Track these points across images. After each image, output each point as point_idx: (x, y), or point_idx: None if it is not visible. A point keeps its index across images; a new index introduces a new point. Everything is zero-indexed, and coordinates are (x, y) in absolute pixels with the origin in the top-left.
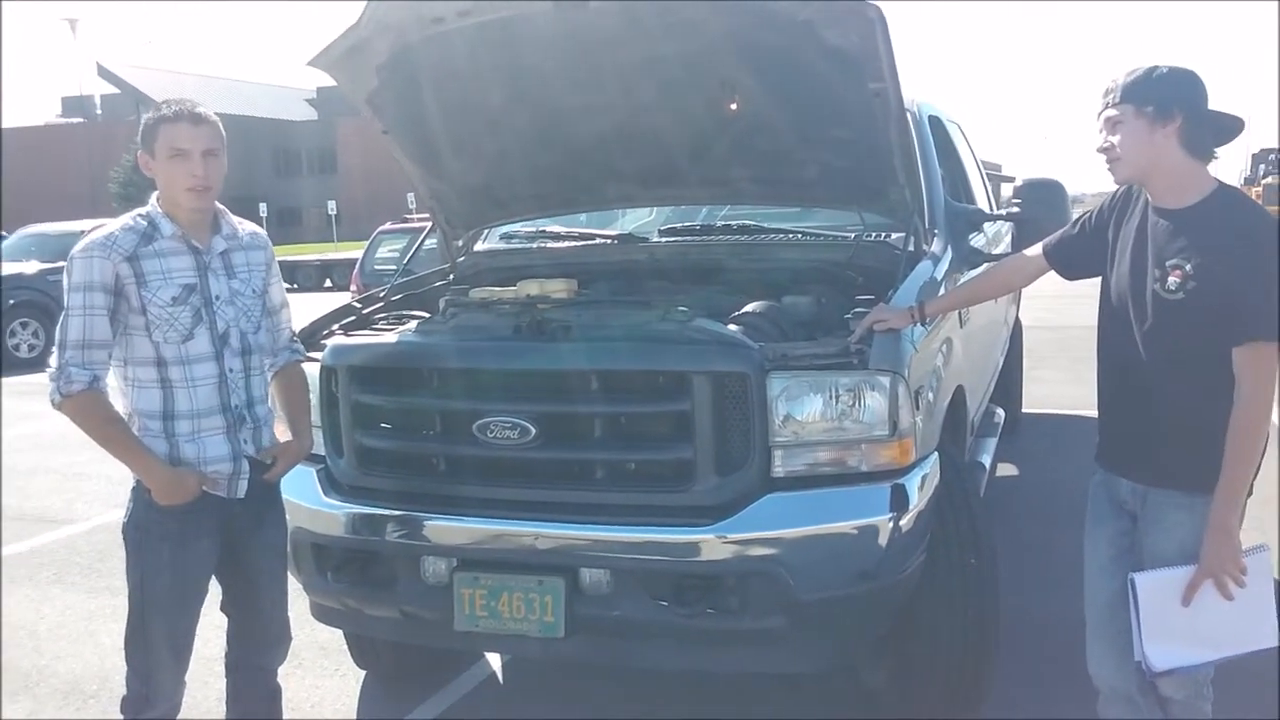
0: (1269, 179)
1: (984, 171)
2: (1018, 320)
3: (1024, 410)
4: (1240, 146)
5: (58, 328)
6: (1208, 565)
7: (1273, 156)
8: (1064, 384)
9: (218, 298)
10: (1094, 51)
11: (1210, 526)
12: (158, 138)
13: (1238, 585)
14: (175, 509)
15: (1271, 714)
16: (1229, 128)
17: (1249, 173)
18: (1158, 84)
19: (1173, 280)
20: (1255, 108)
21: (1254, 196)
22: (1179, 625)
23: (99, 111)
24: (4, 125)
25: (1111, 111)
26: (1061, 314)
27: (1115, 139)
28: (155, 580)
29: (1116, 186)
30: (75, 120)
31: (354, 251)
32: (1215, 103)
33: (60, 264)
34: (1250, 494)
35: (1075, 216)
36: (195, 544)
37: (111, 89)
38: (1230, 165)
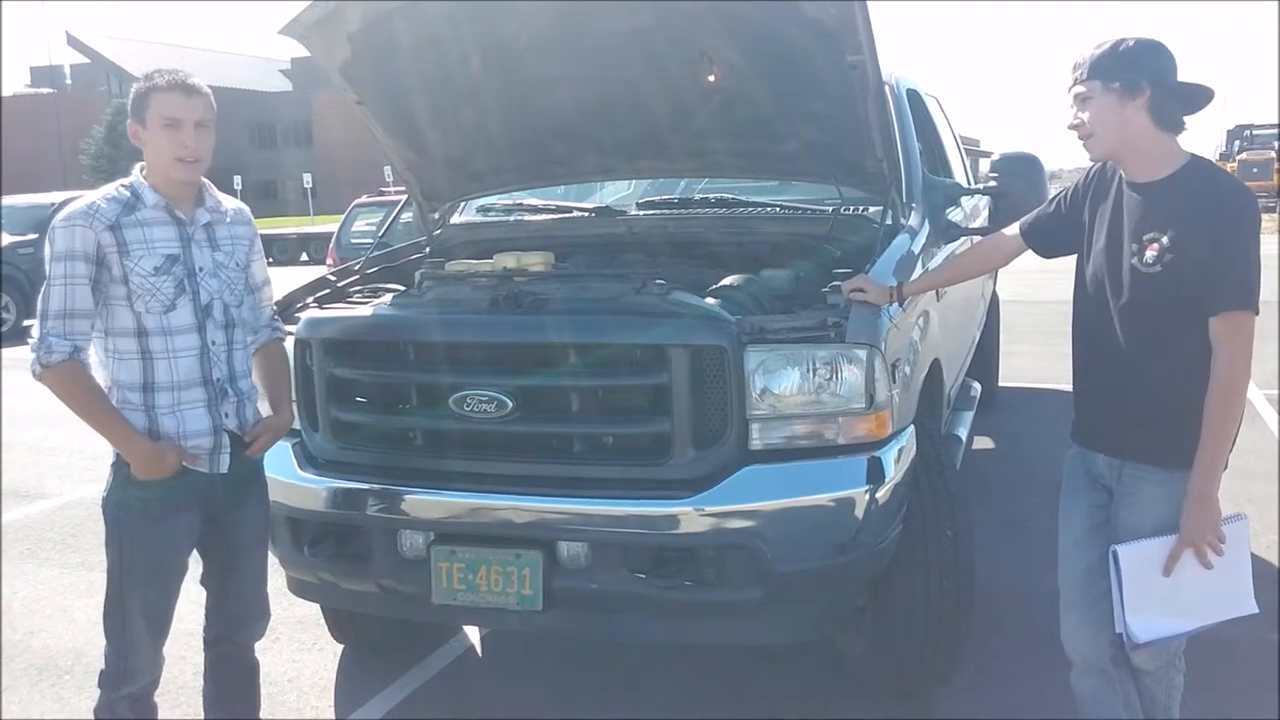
0: (1243, 155)
1: (962, 146)
2: (995, 295)
3: (1001, 384)
4: (1216, 123)
5: (39, 298)
6: (1187, 534)
7: (1248, 132)
8: (1041, 358)
9: (201, 269)
10: (1076, 27)
11: (1189, 496)
12: (149, 106)
13: (1217, 554)
14: (155, 484)
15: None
16: (1198, 98)
17: (1224, 148)
18: (1124, 57)
19: (1150, 254)
20: (1232, 83)
21: (1229, 171)
22: (1160, 596)
23: (69, 82)
24: None
25: (1080, 88)
26: (1039, 289)
27: (1085, 115)
28: (135, 556)
29: (1091, 163)
30: (45, 90)
31: (331, 225)
32: (1190, 76)
33: (31, 236)
34: (1225, 467)
35: (1052, 194)
36: (175, 519)
37: (81, 59)
38: (1206, 141)
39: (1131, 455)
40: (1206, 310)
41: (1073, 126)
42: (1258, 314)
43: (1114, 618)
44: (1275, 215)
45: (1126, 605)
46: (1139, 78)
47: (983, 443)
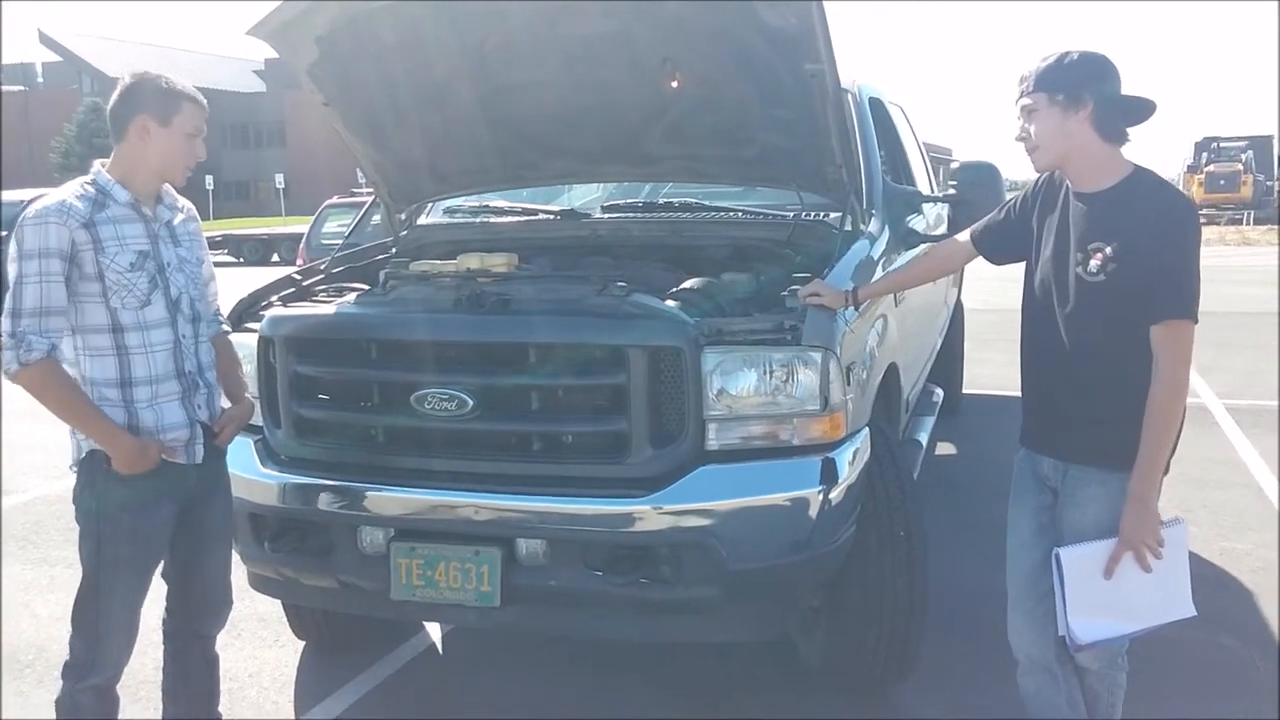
0: (1211, 166)
1: (927, 154)
2: (959, 302)
3: (966, 391)
4: (1184, 135)
5: (8, 296)
6: (1127, 536)
7: (1215, 145)
8: (1006, 365)
9: (169, 264)
10: (1054, 39)
11: (1129, 498)
12: (180, 112)
13: (1155, 557)
14: (135, 477)
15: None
16: (1141, 110)
17: (1192, 160)
18: (1068, 71)
19: (1094, 263)
20: (1199, 96)
21: (1195, 184)
22: (1102, 599)
23: (40, 80)
24: None
25: (1026, 100)
26: (1006, 297)
27: (1031, 127)
28: (113, 548)
29: (1038, 174)
30: (16, 88)
31: (303, 225)
32: (1159, 85)
33: (2, 234)
34: (1166, 471)
35: (1003, 202)
36: (155, 512)
37: (54, 57)
38: (1174, 153)
39: (1075, 457)
40: (1148, 318)
41: (1019, 139)
42: (1196, 323)
43: (1057, 619)
44: (1242, 227)
45: (1069, 607)
46: (1082, 91)
47: (945, 448)
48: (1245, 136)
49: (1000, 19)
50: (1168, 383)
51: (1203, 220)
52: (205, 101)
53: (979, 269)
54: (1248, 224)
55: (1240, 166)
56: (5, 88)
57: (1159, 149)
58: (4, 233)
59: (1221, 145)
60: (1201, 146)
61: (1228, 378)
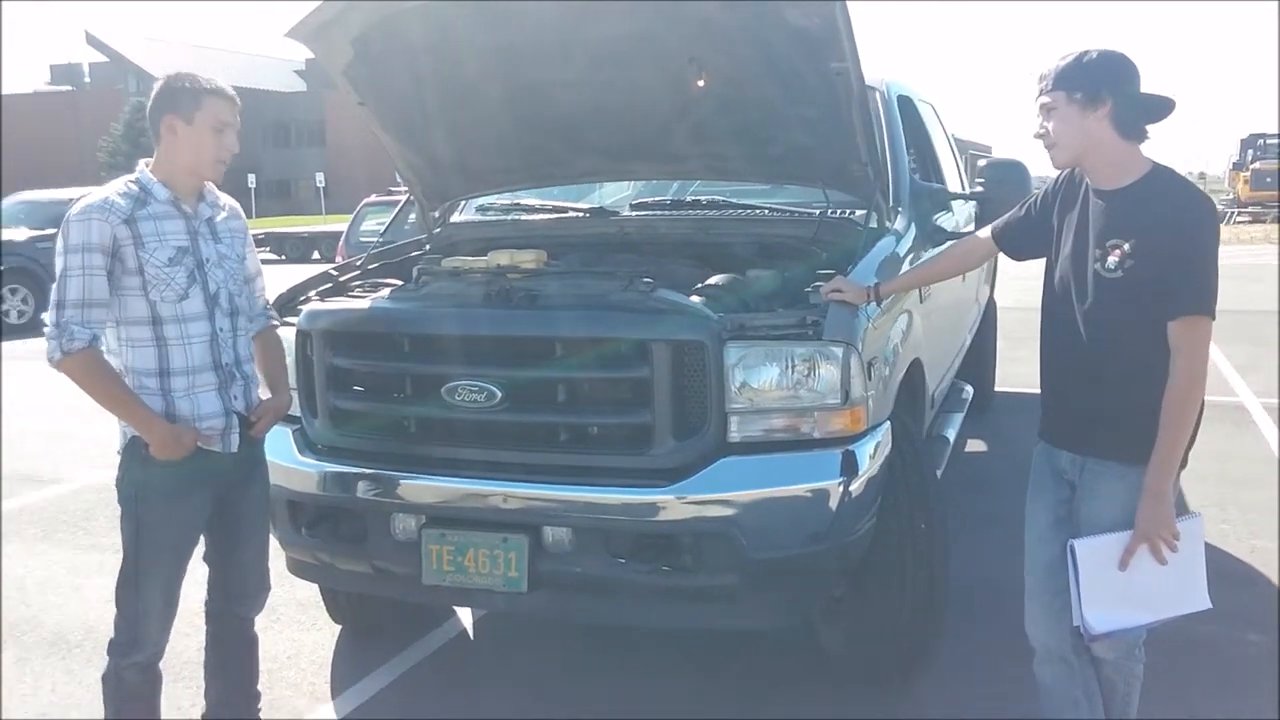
0: (1257, 164)
1: (966, 152)
2: (991, 300)
3: (999, 389)
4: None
5: (53, 288)
6: (1142, 530)
7: (1261, 141)
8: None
9: (208, 260)
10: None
11: (1145, 492)
12: (201, 107)
13: (1171, 550)
14: (172, 464)
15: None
16: (1160, 109)
17: (1238, 157)
18: (1087, 70)
19: (1112, 259)
20: (1244, 95)
21: (1241, 181)
22: (1116, 589)
23: (88, 80)
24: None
25: (1045, 98)
26: (1040, 296)
27: (1050, 125)
28: (150, 532)
29: (1057, 170)
30: (64, 88)
31: (342, 224)
32: (1205, 83)
33: (50, 231)
34: (1184, 466)
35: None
36: (190, 497)
37: (100, 57)
38: (1220, 151)
39: (1093, 451)
40: (1166, 314)
41: (1038, 136)
42: (1214, 319)
43: (1072, 609)
44: None
45: (1083, 598)
46: (1100, 89)
47: (976, 445)
48: None
49: (1043, 16)
50: (1185, 377)
51: (1247, 218)
52: (233, 94)
53: (1013, 269)
54: None
55: None
56: (53, 88)
57: (1204, 146)
58: (51, 230)
59: (1268, 142)
60: (1247, 143)
61: (1267, 377)
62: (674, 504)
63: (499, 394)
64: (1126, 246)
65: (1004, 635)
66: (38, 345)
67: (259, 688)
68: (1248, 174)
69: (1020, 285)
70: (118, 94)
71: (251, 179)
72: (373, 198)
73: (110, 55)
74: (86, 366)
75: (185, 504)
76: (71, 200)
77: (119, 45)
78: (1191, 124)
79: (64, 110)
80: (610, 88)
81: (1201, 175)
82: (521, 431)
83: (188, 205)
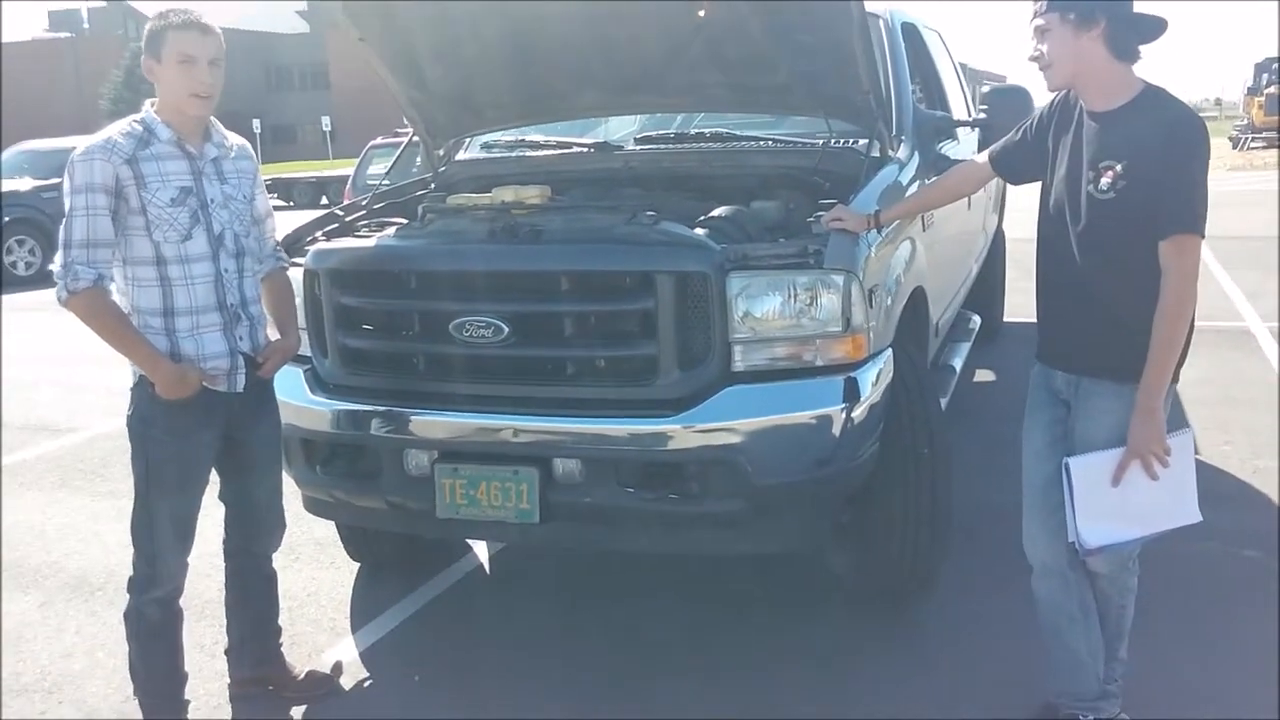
0: (1271, 88)
1: (970, 81)
2: (1000, 229)
3: (1008, 319)
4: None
5: (60, 228)
6: (1135, 445)
7: (1276, 65)
8: None
9: (212, 200)
10: None
11: (1137, 409)
12: (165, 43)
13: (1162, 465)
14: (177, 402)
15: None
16: (1153, 28)
17: (1252, 82)
18: None
19: (1105, 181)
20: (1259, 18)
21: (1256, 106)
22: (1110, 505)
23: (86, 25)
24: None
25: (1039, 20)
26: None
27: (1044, 47)
28: (160, 470)
29: (1051, 93)
30: (63, 35)
31: (349, 168)
32: (1214, 12)
33: (54, 180)
34: (1175, 382)
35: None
36: (197, 435)
37: (99, 1)
38: (1234, 76)
39: (1087, 370)
40: (1156, 234)
41: (1033, 58)
42: (1203, 237)
43: (1067, 525)
44: None
45: (1078, 514)
46: (1094, 9)
47: (985, 374)
48: None
49: None
50: (1174, 296)
51: (1261, 144)
52: (204, 25)
53: (1024, 199)
54: None
55: None
56: (52, 35)
57: (1218, 71)
58: (56, 180)
59: None
60: (1262, 68)
61: (1274, 302)
62: (680, 433)
63: (506, 329)
64: (1119, 168)
65: (1001, 554)
66: (48, 296)
67: (280, 623)
68: (1262, 99)
69: (1029, 217)
70: (118, 39)
71: (256, 124)
72: (379, 140)
73: None
74: (91, 306)
75: (190, 442)
76: (76, 148)
77: None
78: (1208, 49)
79: (64, 57)
80: (613, 20)
81: (1218, 101)
82: (530, 365)
83: (192, 145)
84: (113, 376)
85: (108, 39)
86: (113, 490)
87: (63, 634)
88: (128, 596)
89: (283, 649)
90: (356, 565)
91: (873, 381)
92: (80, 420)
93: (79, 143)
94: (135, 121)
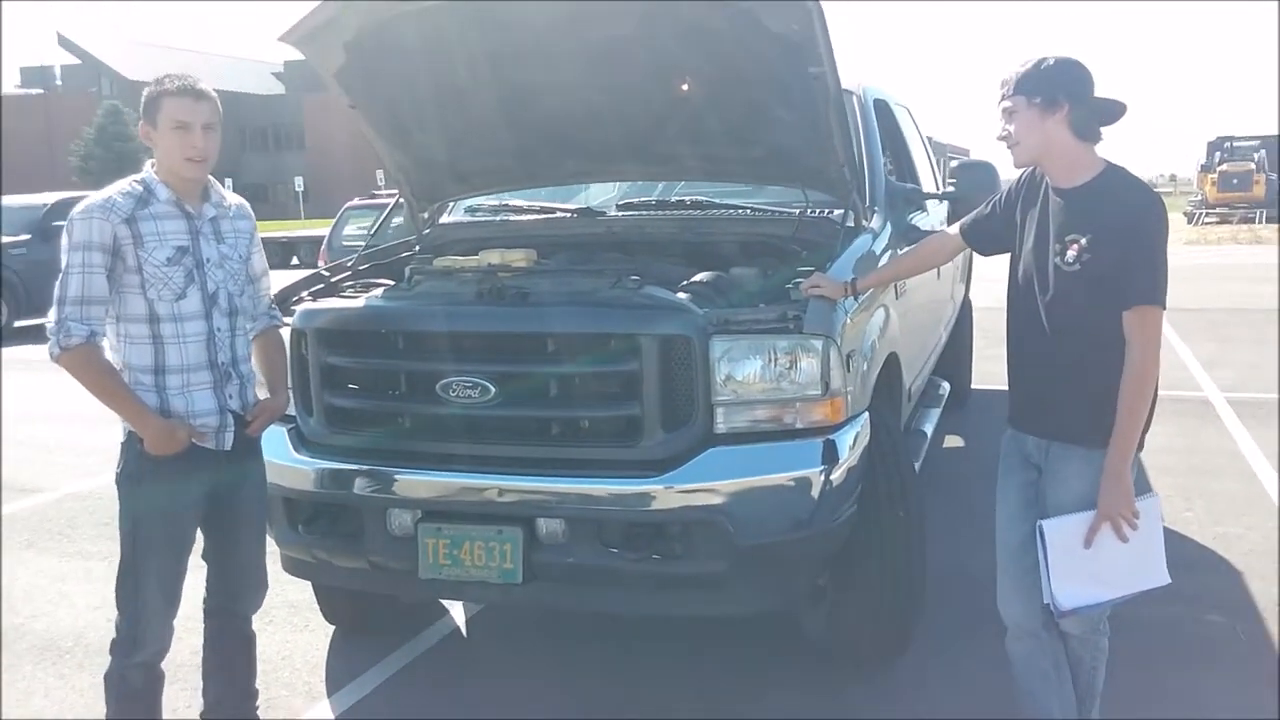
0: (1224, 166)
1: (936, 154)
2: (967, 300)
3: (976, 386)
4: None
5: (56, 285)
6: (1105, 509)
7: (1228, 144)
8: None
9: (208, 260)
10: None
11: (1105, 474)
12: (161, 109)
13: (1131, 528)
14: (166, 459)
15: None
16: (1113, 111)
17: (1205, 160)
18: (1045, 75)
19: (1070, 253)
20: (1214, 96)
21: (1209, 183)
22: (1082, 567)
23: (59, 82)
24: None
25: (1006, 103)
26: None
27: (1011, 127)
28: (147, 527)
29: (1017, 169)
30: (35, 91)
31: (323, 229)
32: (1175, 84)
33: (24, 237)
34: (1141, 448)
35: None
36: (184, 493)
37: (72, 59)
38: (1188, 153)
39: (1057, 435)
40: (1120, 304)
41: (1001, 137)
42: (1165, 309)
43: (1042, 587)
44: (1255, 226)
45: (1053, 576)
46: (1058, 93)
47: (954, 441)
48: (1258, 136)
49: (1021, 20)
50: (1139, 364)
51: (1214, 219)
52: (199, 90)
53: (990, 270)
54: (1260, 222)
55: (1253, 166)
56: (23, 91)
57: (1175, 149)
58: (25, 236)
59: (1235, 145)
60: (1215, 146)
61: (1231, 372)
62: (664, 493)
63: (492, 389)
64: (1084, 241)
65: (975, 617)
66: (15, 354)
67: (256, 686)
68: (1214, 176)
69: (999, 287)
70: (90, 97)
71: (229, 183)
72: (355, 201)
73: (82, 57)
74: (82, 362)
75: (177, 499)
76: (47, 205)
77: (91, 47)
78: (1163, 128)
79: (35, 114)
80: (598, 91)
81: (1173, 177)
82: (515, 426)
83: (191, 205)
84: (81, 436)
85: (80, 96)
86: (80, 550)
87: (31, 698)
88: (110, 658)
89: (259, 712)
90: (331, 628)
91: (850, 444)
92: (48, 480)
93: (50, 200)
94: (136, 181)
